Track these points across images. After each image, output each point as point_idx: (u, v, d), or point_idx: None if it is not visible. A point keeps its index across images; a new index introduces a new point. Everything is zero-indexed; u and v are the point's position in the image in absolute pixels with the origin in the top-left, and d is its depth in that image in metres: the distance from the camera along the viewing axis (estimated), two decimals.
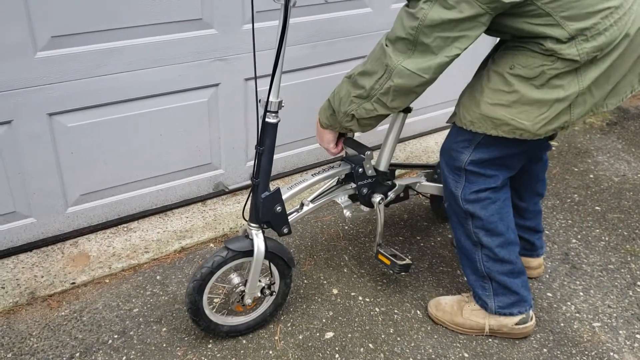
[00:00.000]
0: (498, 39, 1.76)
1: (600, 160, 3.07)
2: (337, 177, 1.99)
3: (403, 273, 2.09)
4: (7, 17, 1.80)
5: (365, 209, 2.05)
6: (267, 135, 1.66)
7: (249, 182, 2.60)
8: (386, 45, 1.53)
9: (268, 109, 1.64)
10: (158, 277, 2.12)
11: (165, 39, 2.11)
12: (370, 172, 1.96)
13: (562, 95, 1.56)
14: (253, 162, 2.56)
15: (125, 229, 2.32)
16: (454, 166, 1.77)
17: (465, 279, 1.96)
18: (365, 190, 1.98)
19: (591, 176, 2.92)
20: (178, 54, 2.15)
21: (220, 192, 2.54)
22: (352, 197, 2.01)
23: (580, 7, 1.45)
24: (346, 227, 2.45)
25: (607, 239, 2.46)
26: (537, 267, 2.18)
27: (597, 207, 2.67)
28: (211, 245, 2.30)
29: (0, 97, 1.89)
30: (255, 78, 1.65)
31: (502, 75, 1.60)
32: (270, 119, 1.64)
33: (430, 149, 3.07)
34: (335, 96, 1.68)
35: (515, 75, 1.58)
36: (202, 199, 2.50)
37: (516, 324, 1.89)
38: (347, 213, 1.97)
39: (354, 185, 1.97)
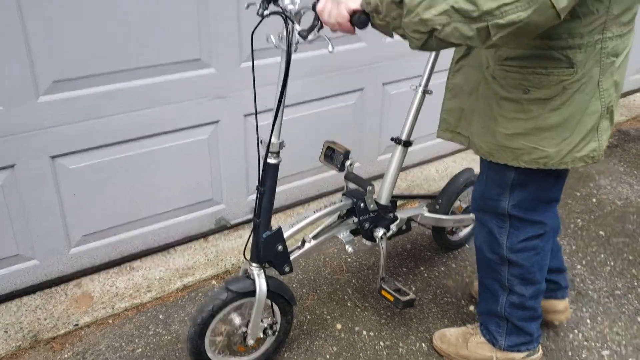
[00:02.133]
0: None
1: (603, 184, 3.06)
2: (339, 212, 1.99)
3: (407, 309, 2.08)
4: (10, 63, 1.83)
5: (368, 243, 2.04)
6: (268, 176, 1.67)
7: (251, 216, 2.61)
8: None
9: (270, 150, 1.63)
10: (161, 317, 2.12)
11: (165, 79, 2.14)
12: (372, 207, 1.96)
13: (587, 111, 1.44)
14: (255, 197, 2.59)
15: (128, 268, 2.33)
16: (496, 212, 1.68)
17: (477, 310, 1.93)
18: (367, 225, 1.98)
19: (594, 200, 2.91)
20: (178, 93, 2.19)
21: (221, 228, 2.55)
22: (354, 232, 2.01)
23: None
24: (349, 260, 2.45)
25: (612, 264, 2.44)
26: (564, 310, 2.02)
27: (601, 232, 2.65)
28: (213, 282, 2.30)
29: (3, 142, 1.92)
30: (257, 118, 1.67)
31: (517, 101, 1.47)
32: (272, 160, 1.65)
33: (431, 177, 3.08)
34: None
35: (533, 99, 1.45)
36: (204, 235, 2.51)
37: (523, 358, 1.87)
38: (349, 249, 1.97)
39: (355, 220, 1.97)
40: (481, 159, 1.67)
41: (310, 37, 1.42)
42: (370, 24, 1.32)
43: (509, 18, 1.15)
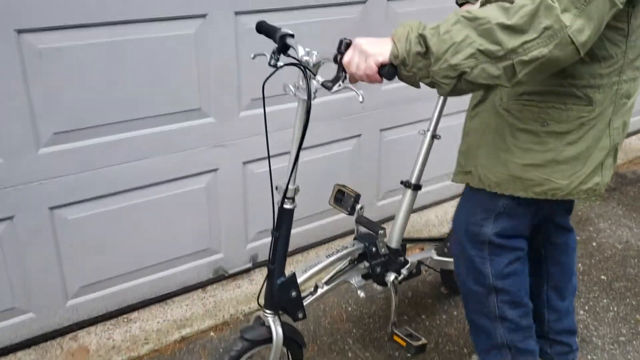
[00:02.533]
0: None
1: (602, 228, 3.06)
2: (350, 257, 1.98)
3: (419, 354, 2.05)
4: (11, 116, 1.86)
5: (379, 287, 2.03)
6: (283, 221, 1.67)
7: (249, 265, 2.59)
8: (552, 1, 1.19)
9: (286, 195, 1.65)
10: None
11: (163, 129, 2.16)
12: (383, 251, 1.97)
13: (598, 146, 1.50)
14: (253, 245, 2.58)
15: (125, 319, 2.29)
16: (477, 239, 1.68)
17: (476, 349, 1.90)
18: (378, 269, 1.97)
19: (594, 244, 2.90)
20: (176, 143, 2.20)
21: (220, 277, 2.53)
22: (365, 276, 2.00)
23: None
24: (349, 309, 2.42)
25: (615, 309, 2.41)
26: None
27: (602, 276, 2.63)
28: (211, 334, 2.26)
29: (2, 194, 1.92)
30: (270, 165, 1.68)
31: (534, 133, 1.51)
32: (288, 205, 1.67)
33: (431, 222, 3.08)
34: (441, 36, 1.25)
35: (550, 132, 1.49)
36: (202, 285, 2.48)
37: None
38: (361, 294, 1.95)
39: (367, 264, 1.97)
40: (467, 185, 1.70)
41: (335, 88, 1.44)
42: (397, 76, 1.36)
43: (532, 54, 1.21)
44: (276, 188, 1.68)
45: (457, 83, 1.27)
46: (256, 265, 2.61)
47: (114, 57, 1.97)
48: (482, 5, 1.65)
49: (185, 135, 2.21)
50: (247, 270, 2.59)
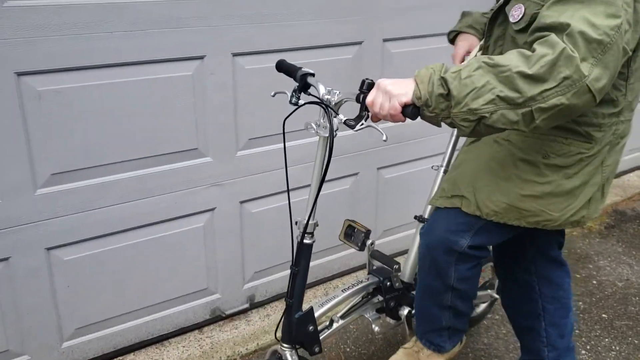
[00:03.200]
0: None
1: (602, 265, 3.04)
2: (365, 292, 2.00)
3: None
4: (10, 157, 1.87)
5: (392, 321, 2.06)
6: (302, 256, 1.70)
7: (246, 305, 2.57)
8: (572, 51, 1.22)
9: (307, 230, 1.68)
10: None
11: (160, 169, 2.18)
12: (397, 285, 1.99)
13: (590, 182, 1.56)
14: (251, 284, 2.56)
15: None
16: (449, 249, 1.71)
17: (417, 332, 1.97)
18: (392, 303, 2.01)
19: (594, 282, 2.88)
20: (173, 182, 2.22)
21: (217, 318, 2.50)
22: (379, 310, 2.03)
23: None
24: (348, 350, 2.39)
25: (617, 348, 2.38)
26: None
27: (603, 315, 2.60)
28: None
29: None
30: (289, 199, 1.70)
31: (535, 164, 1.55)
32: (307, 240, 1.70)
33: None
34: (463, 80, 1.29)
35: (551, 165, 1.54)
36: (199, 326, 2.46)
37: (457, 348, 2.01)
38: (375, 328, 1.98)
39: (381, 298, 1.99)
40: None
41: (358, 127, 1.47)
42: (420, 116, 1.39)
43: (550, 102, 1.24)
44: (296, 223, 1.71)
45: (476, 126, 1.30)
46: (253, 305, 2.59)
47: (112, 99, 2.00)
48: (482, 49, 1.69)
49: (182, 175, 2.23)
50: (244, 311, 2.57)
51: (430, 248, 1.75)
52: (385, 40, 2.59)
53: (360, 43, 2.52)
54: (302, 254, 1.69)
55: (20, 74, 1.82)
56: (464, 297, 1.80)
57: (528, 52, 1.26)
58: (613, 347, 2.38)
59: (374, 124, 1.47)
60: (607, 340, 2.43)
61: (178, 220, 2.28)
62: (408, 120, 1.42)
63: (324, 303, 1.86)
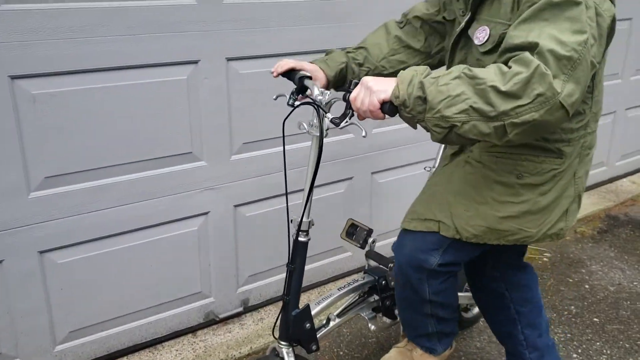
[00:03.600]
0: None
1: (594, 270, 3.06)
2: (361, 290, 2.03)
3: None
4: (4, 160, 1.88)
5: (388, 320, 2.08)
6: (298, 254, 1.72)
7: (240, 309, 2.58)
8: (545, 69, 1.24)
9: (301, 228, 1.70)
10: None
11: (155, 173, 2.18)
12: (392, 284, 2.01)
13: (564, 195, 1.58)
14: (245, 287, 2.56)
15: None
16: (420, 267, 1.72)
17: (407, 335, 1.97)
18: (388, 302, 2.03)
19: (586, 286, 2.90)
20: (168, 186, 2.22)
21: (210, 322, 2.51)
22: (375, 309, 2.06)
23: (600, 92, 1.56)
24: (341, 353, 2.39)
25: (608, 352, 2.39)
26: None
27: (595, 319, 2.62)
28: None
29: None
30: (287, 200, 1.71)
31: (510, 185, 1.57)
32: (302, 238, 1.71)
33: None
34: (439, 86, 1.30)
35: (526, 184, 1.56)
36: (192, 330, 2.46)
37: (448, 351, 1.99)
38: (372, 326, 2.01)
39: (377, 297, 2.02)
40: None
41: (342, 124, 1.50)
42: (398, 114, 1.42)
43: (523, 118, 1.24)
44: (291, 221, 1.72)
45: (448, 133, 1.31)
46: (247, 309, 2.60)
47: (107, 102, 2.01)
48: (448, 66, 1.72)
49: (176, 179, 2.23)
50: (238, 315, 2.57)
51: (402, 266, 1.76)
52: None
53: None
54: (298, 252, 1.71)
55: (14, 77, 1.83)
56: (444, 306, 1.80)
57: (505, 68, 1.27)
58: (604, 351, 2.39)
59: (358, 121, 1.49)
60: (598, 344, 2.44)
61: (172, 223, 2.29)
62: (392, 119, 1.47)
63: (321, 301, 1.89)
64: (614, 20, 1.42)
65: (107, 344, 2.28)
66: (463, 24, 1.59)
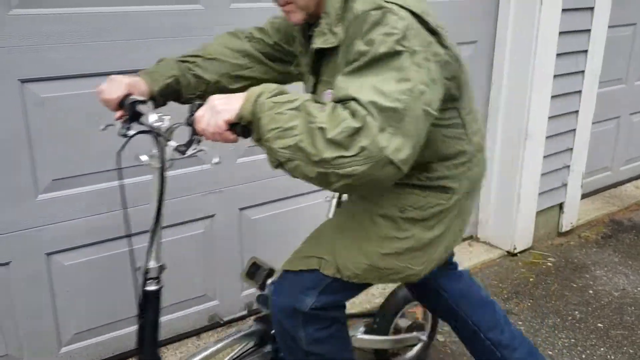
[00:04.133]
0: None
1: (599, 275, 3.06)
2: (253, 340, 1.82)
3: None
4: (13, 163, 1.90)
5: None
6: (149, 305, 1.51)
7: (245, 312, 2.58)
8: (371, 123, 1.13)
9: (149, 275, 1.50)
10: None
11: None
12: None
13: (451, 230, 1.50)
14: (250, 291, 2.56)
15: None
16: (294, 310, 1.53)
17: None
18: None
19: (590, 292, 2.90)
20: (172, 189, 2.23)
21: (215, 325, 2.51)
22: None
23: (474, 122, 1.49)
24: None
25: (613, 357, 2.39)
26: None
27: (599, 324, 2.62)
28: None
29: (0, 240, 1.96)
30: (130, 244, 1.50)
31: (393, 219, 1.44)
32: (152, 287, 1.51)
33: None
34: (276, 114, 1.19)
35: (409, 218, 1.44)
36: (197, 333, 2.47)
37: None
38: None
39: (270, 348, 1.82)
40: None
41: (189, 151, 1.33)
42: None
43: (345, 170, 1.14)
44: (138, 269, 1.51)
45: (278, 166, 1.22)
46: (252, 312, 2.60)
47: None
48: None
49: (180, 181, 2.24)
50: (242, 318, 2.58)
51: (276, 309, 1.59)
52: None
53: None
54: (148, 303, 1.50)
55: (24, 81, 1.85)
56: (325, 359, 1.59)
57: (340, 113, 1.15)
58: (608, 357, 2.39)
59: (205, 148, 1.33)
60: (602, 349, 2.44)
61: (177, 226, 2.30)
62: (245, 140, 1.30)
63: (192, 357, 1.70)
64: (457, 60, 1.36)
65: (112, 345, 2.29)
66: (311, 88, 1.48)
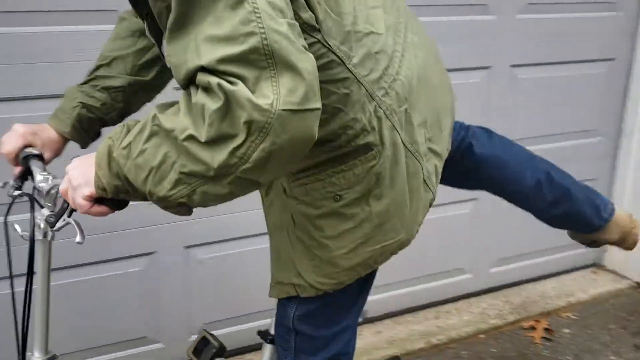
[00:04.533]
0: None
1: None
2: None
3: None
4: None
5: None
6: None
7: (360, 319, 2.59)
8: (233, 87, 0.83)
9: None
10: None
11: None
12: None
13: (408, 176, 1.19)
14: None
15: None
16: (283, 326, 1.32)
17: None
18: None
19: None
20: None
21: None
22: None
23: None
24: None
25: None
26: (626, 225, 1.78)
27: None
28: None
29: (146, 231, 2.11)
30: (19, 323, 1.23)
31: (334, 213, 1.15)
32: None
33: (547, 294, 2.95)
34: (135, 159, 0.94)
35: (349, 203, 1.14)
36: None
37: None
38: None
39: None
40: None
41: (59, 223, 1.13)
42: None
43: (254, 157, 0.86)
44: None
45: (181, 209, 0.98)
46: (366, 320, 2.62)
47: None
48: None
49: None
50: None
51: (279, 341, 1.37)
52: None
53: (487, 68, 2.56)
54: None
55: None
56: None
57: (196, 98, 0.87)
58: None
59: (73, 220, 1.12)
60: None
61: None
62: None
63: None
64: None
65: (235, 339, 2.34)
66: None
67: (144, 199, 0.98)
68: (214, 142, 0.86)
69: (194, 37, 0.86)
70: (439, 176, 1.30)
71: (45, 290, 1.23)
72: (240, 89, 0.83)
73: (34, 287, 1.21)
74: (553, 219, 1.76)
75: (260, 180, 0.92)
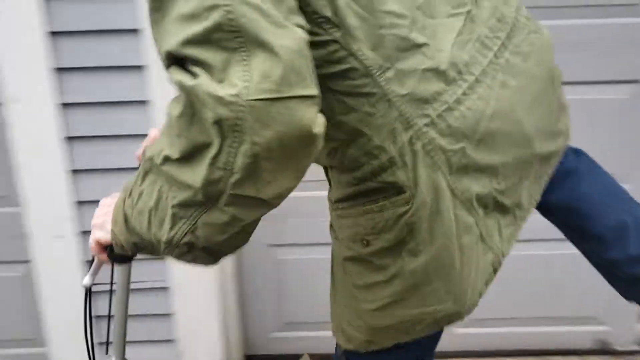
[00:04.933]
0: None
1: None
2: None
3: None
4: None
5: None
6: None
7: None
8: (194, 76, 0.72)
9: None
10: None
11: None
12: None
13: (457, 232, 0.94)
14: None
15: None
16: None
17: None
18: None
19: None
20: None
21: (601, 351, 2.33)
22: None
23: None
24: None
25: None
26: None
27: None
28: None
29: None
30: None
31: (363, 260, 0.98)
32: None
33: None
34: (137, 207, 0.85)
35: (379, 251, 0.95)
36: (580, 353, 2.34)
37: None
38: None
39: None
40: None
41: (86, 279, 1.08)
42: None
43: (239, 166, 0.72)
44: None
45: (207, 255, 0.87)
46: None
47: None
48: None
49: None
50: (634, 353, 2.33)
51: None
52: None
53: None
54: None
55: None
56: None
57: (169, 113, 0.76)
58: None
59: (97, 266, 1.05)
60: None
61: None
62: None
63: None
64: None
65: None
66: None
67: (150, 251, 0.90)
68: (189, 156, 0.75)
69: (165, 22, 0.73)
70: (504, 233, 1.03)
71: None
72: (199, 82, 0.69)
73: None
74: (631, 284, 1.23)
75: (261, 195, 0.77)
